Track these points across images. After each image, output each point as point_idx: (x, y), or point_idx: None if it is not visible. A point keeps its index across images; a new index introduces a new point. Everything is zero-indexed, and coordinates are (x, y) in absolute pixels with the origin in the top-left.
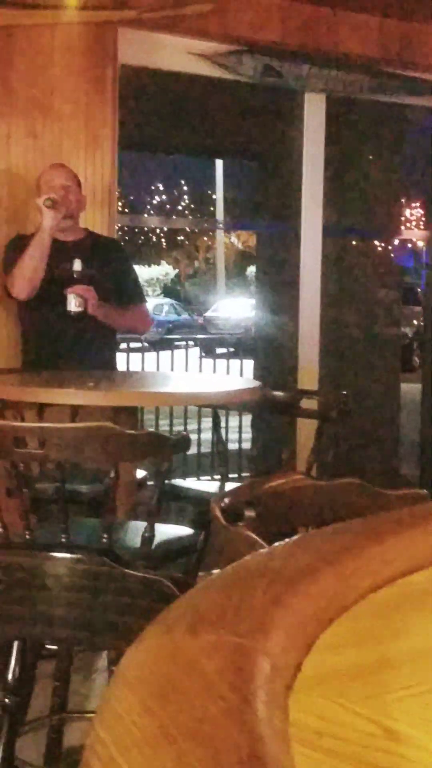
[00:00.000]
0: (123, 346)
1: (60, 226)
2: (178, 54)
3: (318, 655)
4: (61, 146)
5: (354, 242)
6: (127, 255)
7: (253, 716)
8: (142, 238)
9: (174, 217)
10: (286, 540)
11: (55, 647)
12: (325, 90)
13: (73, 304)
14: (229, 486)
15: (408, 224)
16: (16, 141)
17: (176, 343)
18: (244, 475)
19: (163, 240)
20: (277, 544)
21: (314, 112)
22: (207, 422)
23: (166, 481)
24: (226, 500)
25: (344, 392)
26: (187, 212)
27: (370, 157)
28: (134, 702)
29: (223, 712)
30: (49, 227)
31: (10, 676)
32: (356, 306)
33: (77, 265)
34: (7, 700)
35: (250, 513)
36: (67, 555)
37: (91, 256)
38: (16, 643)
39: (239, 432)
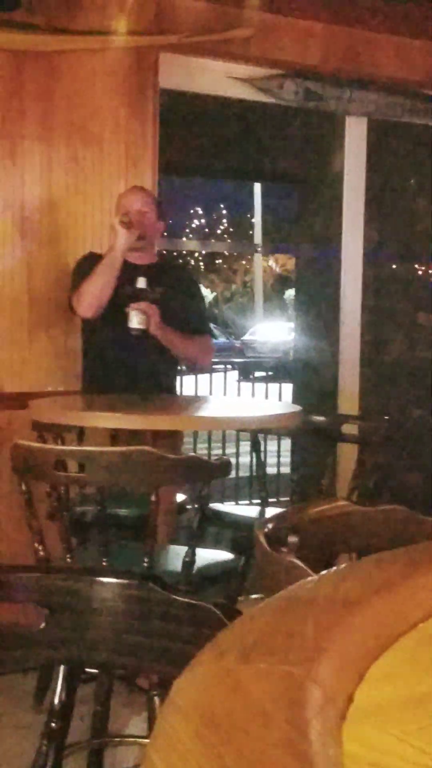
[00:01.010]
0: None
1: (133, 247)
2: (218, 78)
3: (369, 685)
4: (102, 170)
5: (394, 266)
6: (196, 284)
7: (308, 746)
8: (180, 261)
9: (212, 240)
10: (334, 568)
11: (94, 671)
12: (367, 113)
13: (134, 321)
14: (269, 511)
15: None
16: (58, 165)
17: (214, 366)
18: (283, 499)
19: (201, 263)
20: (325, 571)
21: (355, 136)
22: (245, 446)
23: (206, 506)
24: (270, 525)
25: (386, 417)
26: (225, 236)
27: (411, 180)
28: (188, 730)
29: (277, 741)
30: (121, 246)
31: (55, 701)
32: (397, 330)
33: (141, 282)
34: (52, 725)
35: (293, 538)
36: (113, 579)
37: (159, 281)
38: (61, 668)
39: (278, 456)
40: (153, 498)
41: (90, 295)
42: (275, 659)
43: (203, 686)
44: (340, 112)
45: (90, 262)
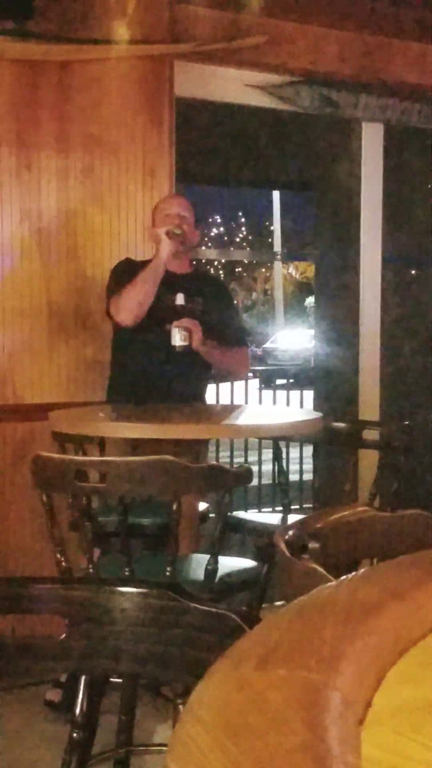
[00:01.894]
0: None
1: (174, 254)
2: (234, 86)
3: (388, 689)
4: (119, 180)
5: (413, 271)
6: (231, 296)
7: (327, 752)
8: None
9: (232, 249)
10: (353, 573)
11: (118, 680)
12: (383, 119)
13: (178, 339)
14: (291, 518)
15: None
16: (74, 175)
17: None
18: (305, 506)
19: (221, 272)
20: (344, 577)
21: (372, 142)
22: (267, 454)
23: (228, 514)
24: (290, 532)
25: (406, 423)
26: (245, 244)
27: (429, 185)
28: (206, 738)
29: (296, 747)
30: (165, 256)
31: (77, 711)
32: (416, 336)
33: (180, 299)
34: (75, 735)
35: (314, 545)
36: (133, 589)
37: (197, 292)
38: (83, 678)
39: (300, 463)
40: (175, 507)
41: (132, 302)
42: (293, 665)
43: (221, 694)
44: (356, 119)
45: (127, 267)
